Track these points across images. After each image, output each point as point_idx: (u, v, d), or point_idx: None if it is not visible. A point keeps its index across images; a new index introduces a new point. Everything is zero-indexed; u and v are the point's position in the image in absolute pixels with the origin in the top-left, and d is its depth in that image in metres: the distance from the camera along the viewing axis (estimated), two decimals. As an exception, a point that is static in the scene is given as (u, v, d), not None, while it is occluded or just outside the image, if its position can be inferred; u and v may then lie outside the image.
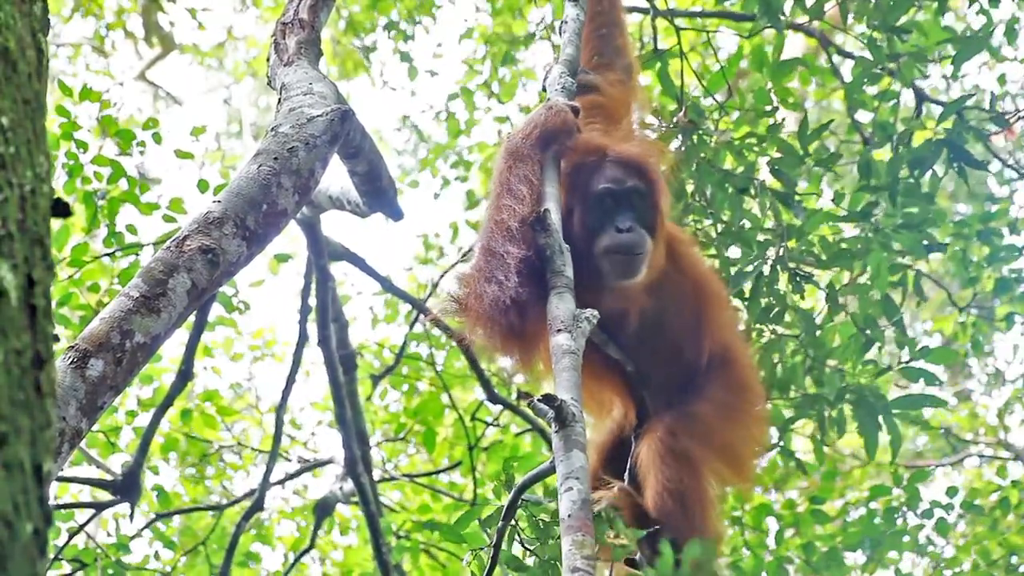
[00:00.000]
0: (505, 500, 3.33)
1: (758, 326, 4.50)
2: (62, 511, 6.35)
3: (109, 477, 6.26)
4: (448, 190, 9.34)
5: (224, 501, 7.53)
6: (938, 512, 5.81)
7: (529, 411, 3.04)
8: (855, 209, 4.49)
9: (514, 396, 7.11)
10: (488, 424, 7.55)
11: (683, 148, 4.50)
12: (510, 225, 3.38)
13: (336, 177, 4.68)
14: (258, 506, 6.64)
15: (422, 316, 6.96)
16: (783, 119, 4.60)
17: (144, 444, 6.07)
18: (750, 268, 4.46)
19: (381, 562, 6.51)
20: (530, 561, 3.37)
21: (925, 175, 4.48)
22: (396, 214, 4.39)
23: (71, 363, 2.67)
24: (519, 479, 3.32)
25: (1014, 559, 6.16)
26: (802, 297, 4.53)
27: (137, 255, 5.88)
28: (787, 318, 4.51)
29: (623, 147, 3.74)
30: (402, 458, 8.52)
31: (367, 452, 6.88)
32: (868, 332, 4.41)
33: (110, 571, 6.36)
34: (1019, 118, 4.70)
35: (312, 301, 6.66)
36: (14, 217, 1.46)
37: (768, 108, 4.65)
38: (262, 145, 3.31)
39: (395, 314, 8.66)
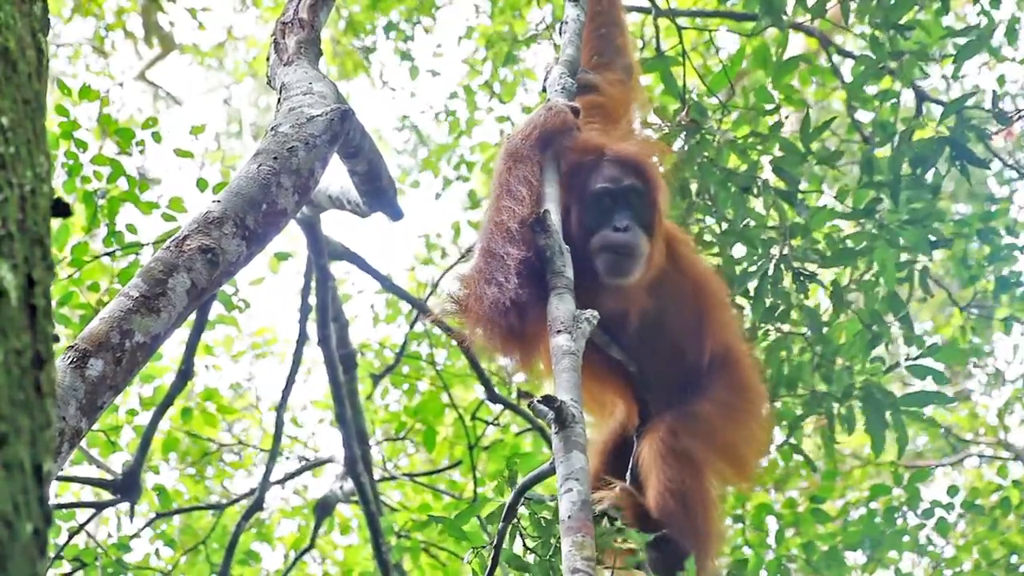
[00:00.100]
0: (506, 499, 3.32)
1: (764, 325, 4.50)
2: (62, 510, 6.35)
3: (109, 476, 6.26)
4: (449, 190, 9.33)
5: (224, 500, 7.54)
6: (938, 512, 5.82)
7: (529, 411, 3.04)
8: (859, 206, 4.48)
9: (514, 396, 7.12)
10: (488, 423, 7.54)
11: (686, 147, 4.50)
12: (510, 226, 3.37)
13: (336, 177, 4.68)
14: (258, 505, 6.64)
15: (422, 316, 6.96)
16: (786, 116, 4.60)
17: (144, 443, 6.07)
18: (754, 267, 4.46)
19: (381, 561, 6.51)
20: (530, 559, 3.37)
21: (928, 173, 4.47)
22: (396, 214, 4.39)
23: (71, 363, 2.67)
24: (521, 478, 3.31)
25: (1014, 559, 6.16)
26: (806, 296, 4.52)
27: (137, 255, 5.87)
28: (793, 316, 4.51)
29: (621, 146, 3.73)
30: (402, 457, 8.52)
31: (367, 451, 6.88)
32: (875, 328, 4.41)
33: (110, 570, 6.36)
34: (1019, 118, 4.69)
35: (312, 300, 6.66)
36: (14, 217, 1.46)
37: (770, 107, 4.65)
38: (262, 145, 3.31)
39: (396, 313, 8.66)
